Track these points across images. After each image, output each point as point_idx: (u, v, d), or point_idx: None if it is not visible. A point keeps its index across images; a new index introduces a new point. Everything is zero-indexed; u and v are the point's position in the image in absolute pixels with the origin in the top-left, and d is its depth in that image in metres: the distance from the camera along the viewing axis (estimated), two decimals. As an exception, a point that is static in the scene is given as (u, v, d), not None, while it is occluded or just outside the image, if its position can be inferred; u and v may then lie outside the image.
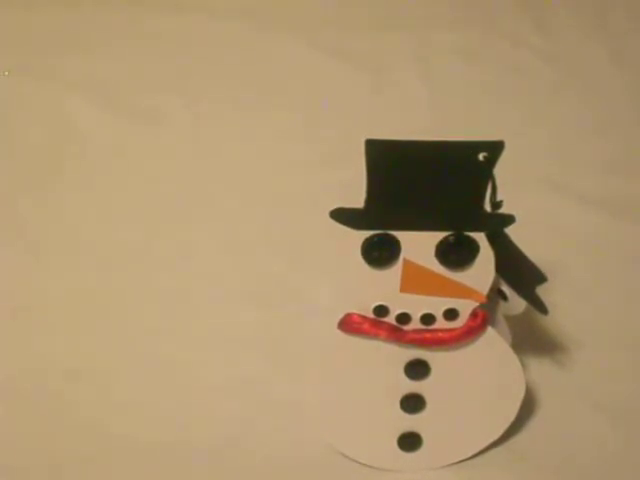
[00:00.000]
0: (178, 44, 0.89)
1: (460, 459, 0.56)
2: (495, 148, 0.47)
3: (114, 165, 0.77)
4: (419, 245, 0.49)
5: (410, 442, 0.55)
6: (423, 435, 0.55)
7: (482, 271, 0.50)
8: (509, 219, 0.49)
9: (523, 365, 0.54)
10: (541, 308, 0.52)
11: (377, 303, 0.51)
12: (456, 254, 0.50)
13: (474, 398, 0.54)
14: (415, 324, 0.52)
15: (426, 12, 0.93)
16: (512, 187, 0.50)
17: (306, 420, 0.56)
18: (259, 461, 0.56)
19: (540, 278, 0.53)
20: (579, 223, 0.71)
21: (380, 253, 0.50)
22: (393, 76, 0.86)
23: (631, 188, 0.75)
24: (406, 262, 0.50)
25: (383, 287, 0.51)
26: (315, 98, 0.83)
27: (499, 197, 0.50)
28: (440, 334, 0.52)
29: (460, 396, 0.54)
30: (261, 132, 0.80)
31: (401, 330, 0.52)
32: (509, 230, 0.51)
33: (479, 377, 0.54)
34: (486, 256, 0.50)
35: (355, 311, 0.52)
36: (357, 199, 0.48)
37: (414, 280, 0.50)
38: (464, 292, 0.51)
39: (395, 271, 0.50)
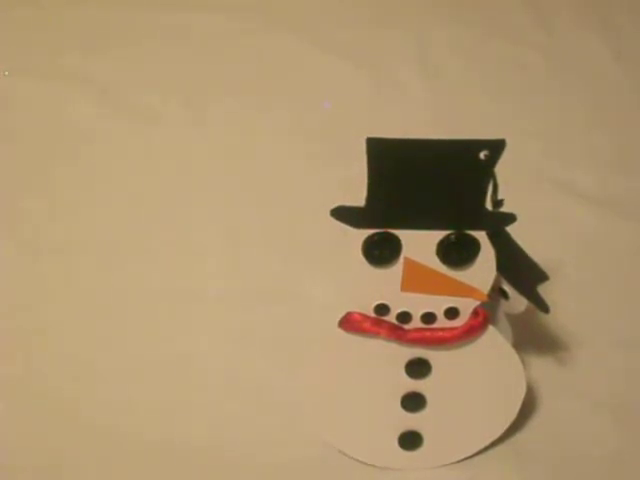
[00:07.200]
0: (178, 43, 0.89)
1: (461, 458, 0.56)
2: (496, 147, 0.47)
3: (114, 164, 0.77)
4: (420, 244, 0.49)
5: (411, 441, 0.55)
6: (424, 434, 0.55)
7: (483, 270, 0.50)
8: (510, 218, 0.49)
9: (524, 363, 0.54)
10: (542, 307, 0.52)
11: (378, 302, 0.51)
12: (457, 253, 0.50)
13: (475, 397, 0.54)
14: (416, 323, 0.52)
15: (427, 9, 0.93)
16: (513, 186, 0.50)
17: (306, 419, 0.56)
18: (259, 461, 0.56)
19: (541, 277, 0.53)
20: (581, 221, 0.71)
21: (381, 252, 0.50)
22: (394, 74, 0.86)
23: (633, 186, 0.75)
24: (407, 261, 0.50)
25: (384, 286, 0.51)
26: (315, 96, 0.82)
27: (500, 196, 0.49)
28: (441, 333, 0.52)
29: (461, 395, 0.54)
30: (261, 130, 0.80)
31: (402, 329, 0.52)
32: (510, 229, 0.51)
33: (480, 376, 0.54)
34: (487, 255, 0.50)
35: (356, 310, 0.52)
36: (358, 197, 0.48)
37: (415, 279, 0.50)
38: (465, 291, 0.51)
39: (396, 270, 0.50)
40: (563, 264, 0.66)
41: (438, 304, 0.51)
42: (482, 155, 0.47)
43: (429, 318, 0.52)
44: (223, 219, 0.72)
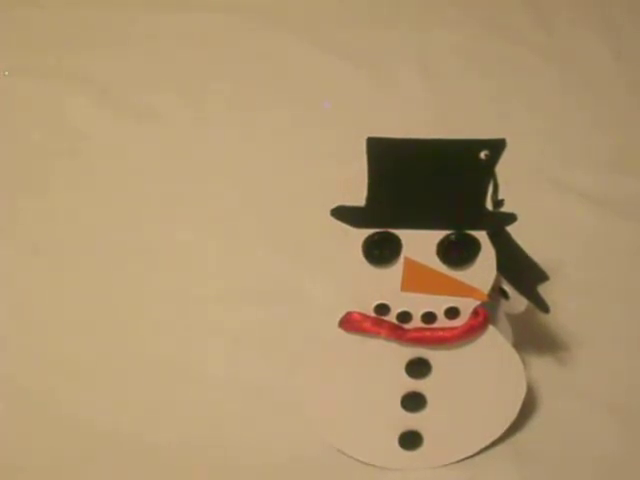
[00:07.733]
0: (177, 43, 0.89)
1: (461, 458, 0.56)
2: (497, 146, 0.47)
3: (114, 164, 0.77)
4: (420, 243, 0.49)
5: (411, 440, 0.55)
6: (424, 433, 0.55)
7: (483, 269, 0.50)
8: (510, 217, 0.49)
9: (524, 363, 0.54)
10: (542, 306, 0.52)
11: (378, 301, 0.51)
12: (457, 252, 0.50)
13: (475, 396, 0.54)
14: (416, 323, 0.52)
15: (427, 9, 0.93)
16: (513, 185, 0.50)
17: (306, 419, 0.56)
18: (259, 461, 0.56)
19: (541, 276, 0.53)
20: (581, 221, 0.71)
21: (381, 251, 0.50)
22: (394, 74, 0.85)
23: (633, 186, 0.74)
24: (407, 260, 0.50)
25: (384, 285, 0.51)
26: (316, 96, 0.82)
27: (500, 196, 0.49)
28: (441, 333, 0.52)
29: (461, 394, 0.54)
30: (261, 130, 0.80)
31: (402, 329, 0.52)
32: (510, 228, 0.50)
33: (480, 376, 0.53)
34: (487, 254, 0.50)
35: (356, 309, 0.52)
36: (358, 197, 0.48)
37: (415, 278, 0.50)
38: (465, 290, 0.51)
39: (396, 269, 0.50)
40: (563, 264, 0.66)
41: (438, 304, 0.51)
42: (482, 155, 0.47)
43: (429, 318, 0.52)
44: (223, 219, 0.72)
